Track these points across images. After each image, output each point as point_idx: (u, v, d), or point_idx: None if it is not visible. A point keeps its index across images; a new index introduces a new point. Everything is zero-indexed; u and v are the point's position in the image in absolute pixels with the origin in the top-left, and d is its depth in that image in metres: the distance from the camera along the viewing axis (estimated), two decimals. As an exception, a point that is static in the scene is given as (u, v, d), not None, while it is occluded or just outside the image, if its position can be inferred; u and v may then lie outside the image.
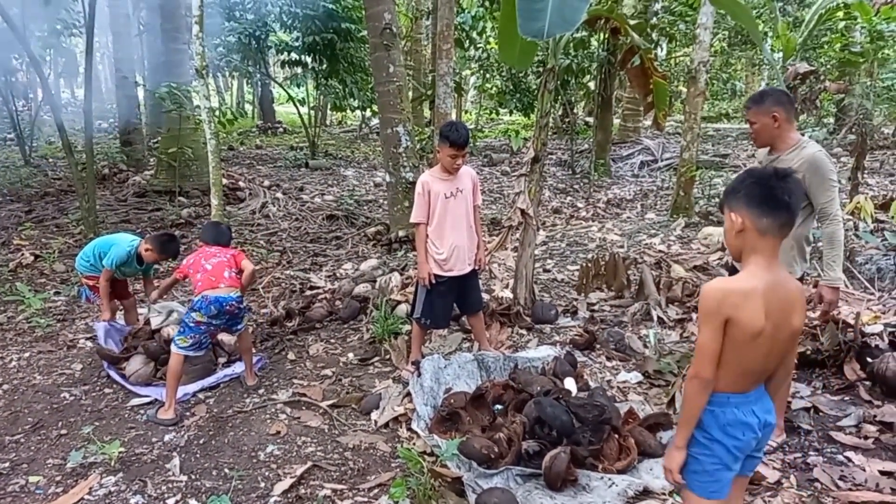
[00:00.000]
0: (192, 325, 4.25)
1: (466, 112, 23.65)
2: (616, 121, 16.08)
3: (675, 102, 19.82)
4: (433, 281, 4.37)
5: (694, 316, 5.24)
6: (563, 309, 5.74)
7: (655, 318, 5.20)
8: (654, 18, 13.58)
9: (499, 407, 3.96)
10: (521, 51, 6.09)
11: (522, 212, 6.00)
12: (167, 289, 4.85)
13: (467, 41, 16.26)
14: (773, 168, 2.05)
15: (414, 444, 3.76)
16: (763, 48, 4.07)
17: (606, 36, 11.93)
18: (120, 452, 3.66)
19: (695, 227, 8.23)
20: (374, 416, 4.11)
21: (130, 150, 13.64)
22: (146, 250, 4.88)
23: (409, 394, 4.32)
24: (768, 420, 2.14)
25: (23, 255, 7.67)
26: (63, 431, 4.03)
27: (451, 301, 4.58)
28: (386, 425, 4.00)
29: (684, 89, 15.32)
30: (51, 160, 15.06)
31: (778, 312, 2.02)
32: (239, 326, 4.53)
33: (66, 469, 3.58)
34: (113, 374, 4.66)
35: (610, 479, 3.12)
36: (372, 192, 11.82)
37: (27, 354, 5.20)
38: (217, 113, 14.79)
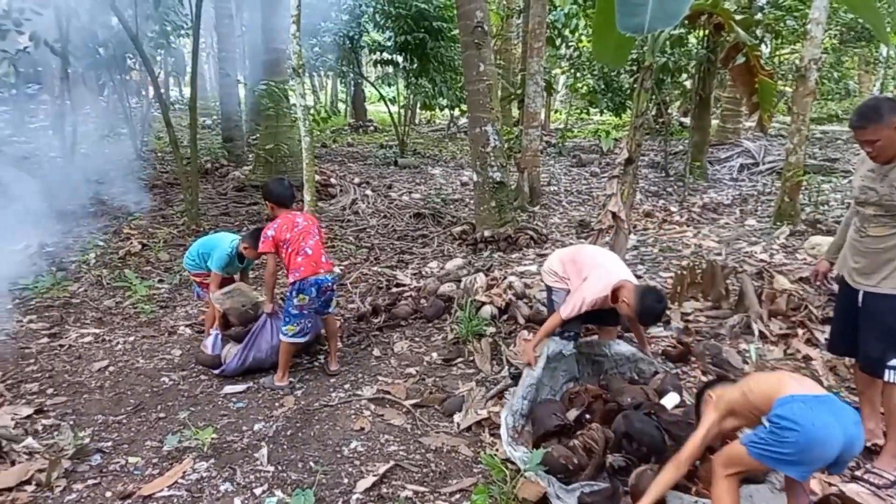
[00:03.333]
0: (294, 312, 4.46)
1: (556, 111, 23.28)
2: (714, 121, 15.36)
3: (778, 103, 18.73)
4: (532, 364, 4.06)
5: (800, 331, 4.89)
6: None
7: (756, 332, 4.89)
8: (760, 14, 12.86)
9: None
10: (615, 48, 5.86)
11: (614, 215, 5.82)
12: (273, 275, 4.67)
13: (559, 39, 15.98)
14: None
15: (497, 450, 3.69)
16: (888, 44, 3.71)
17: (707, 32, 11.39)
18: (212, 439, 3.80)
19: (800, 236, 7.71)
20: (456, 418, 4.07)
21: (231, 146, 14.26)
22: (245, 248, 5.02)
23: (493, 397, 4.27)
24: None
25: (131, 243, 8.14)
26: (161, 414, 4.23)
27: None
28: (468, 429, 3.96)
29: (790, 89, 14.44)
30: (159, 154, 15.97)
31: None
32: (330, 310, 4.70)
33: (163, 452, 3.74)
34: (212, 370, 4.82)
35: (704, 503, 2.94)
36: (458, 191, 11.81)
37: (132, 338, 5.51)
38: (311, 111, 15.23)
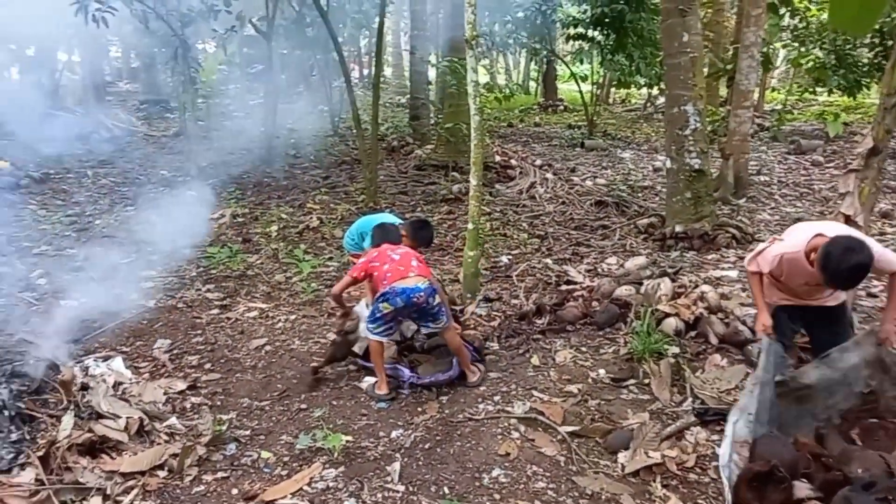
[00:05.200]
0: (379, 316, 4.04)
1: (773, 90, 20.65)
2: None
3: None
4: (770, 333, 3.39)
5: None
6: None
7: None
8: None
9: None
10: (860, 9, 4.65)
11: (847, 218, 4.63)
12: (343, 289, 4.32)
13: (783, 6, 13.92)
14: None
15: (669, 507, 2.98)
16: None
17: None
18: (347, 442, 3.51)
19: None
20: (621, 457, 3.38)
21: (417, 125, 14.34)
22: (402, 236, 4.69)
23: (670, 437, 3.51)
24: None
25: (311, 218, 8.32)
26: (303, 406, 4.03)
27: (796, 324, 3.64)
28: (636, 473, 3.26)
29: None
30: (354, 131, 16.58)
31: None
32: (430, 325, 4.16)
33: (295, 450, 3.52)
34: (359, 353, 4.58)
35: None
36: (650, 177, 10.71)
37: (293, 317, 5.47)
38: (495, 89, 14.87)
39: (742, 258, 6.38)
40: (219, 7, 9.83)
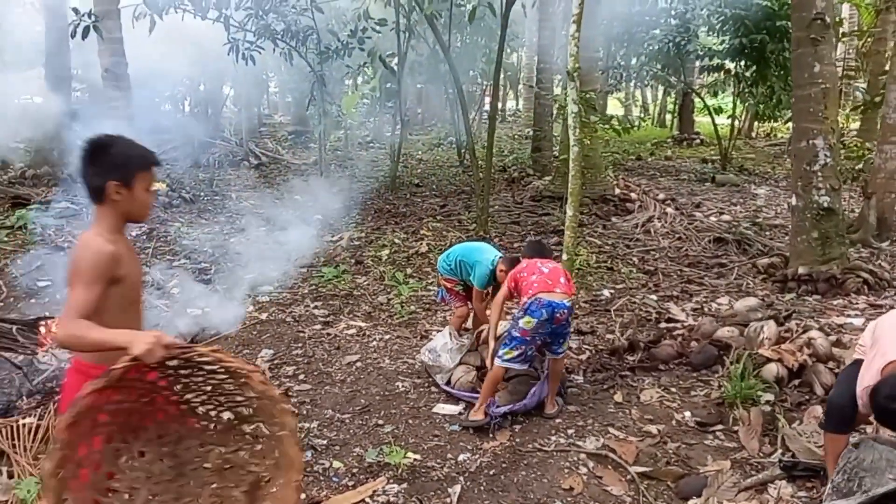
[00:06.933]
0: (517, 334, 3.96)
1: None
2: None
3: None
4: None
5: None
6: None
7: None
8: None
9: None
10: None
11: None
12: (502, 302, 4.34)
13: (952, 33, 12.59)
14: None
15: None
16: None
17: None
18: (414, 461, 3.60)
19: None
20: (692, 505, 3.20)
21: (538, 156, 14.40)
22: (500, 271, 4.72)
23: (749, 488, 3.27)
24: None
25: (421, 244, 8.59)
26: (380, 422, 4.17)
27: None
28: (705, 523, 3.07)
29: None
30: (480, 163, 16.93)
31: None
32: (559, 350, 4.09)
33: (365, 463, 3.65)
34: (440, 384, 4.65)
35: None
36: (782, 215, 10.01)
37: (388, 337, 5.67)
38: (613, 121, 14.65)
39: (873, 305, 5.84)
40: (353, 45, 10.50)
